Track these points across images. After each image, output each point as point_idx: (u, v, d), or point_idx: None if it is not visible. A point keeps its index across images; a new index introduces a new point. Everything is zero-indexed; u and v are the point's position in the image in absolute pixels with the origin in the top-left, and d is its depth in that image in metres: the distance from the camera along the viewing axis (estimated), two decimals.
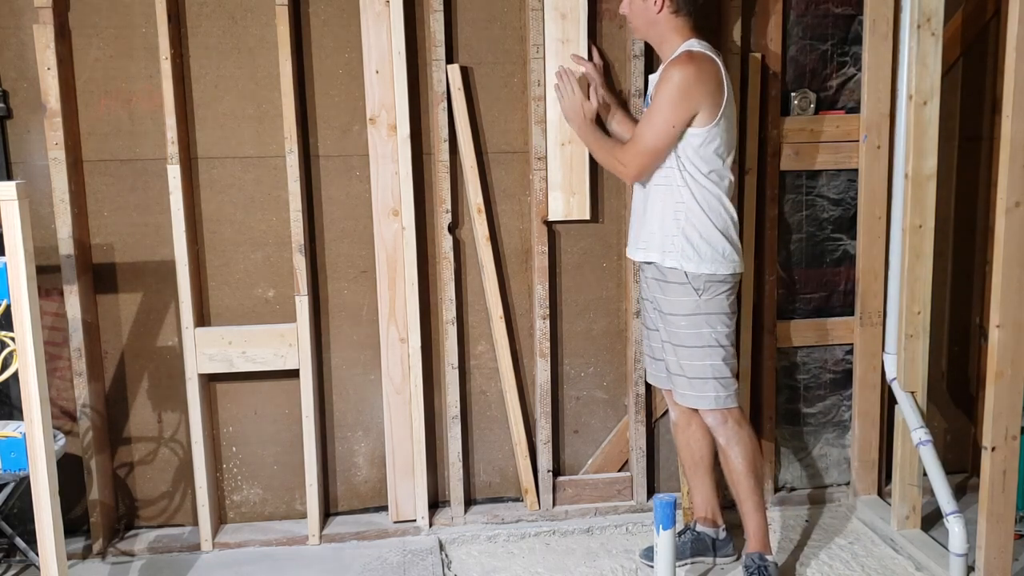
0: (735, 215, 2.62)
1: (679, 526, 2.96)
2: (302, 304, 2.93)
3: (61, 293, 2.83)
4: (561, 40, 2.91)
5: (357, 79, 2.92)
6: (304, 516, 3.07)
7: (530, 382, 3.14)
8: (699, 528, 2.87)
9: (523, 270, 3.10)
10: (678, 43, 2.59)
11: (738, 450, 2.65)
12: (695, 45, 2.57)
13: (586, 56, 2.92)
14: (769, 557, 2.68)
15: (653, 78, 2.69)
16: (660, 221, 2.62)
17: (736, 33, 2.98)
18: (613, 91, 2.96)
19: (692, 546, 2.85)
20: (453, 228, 3.01)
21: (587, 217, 3.03)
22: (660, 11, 2.58)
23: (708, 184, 2.56)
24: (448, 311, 3.02)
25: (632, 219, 2.79)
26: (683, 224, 2.57)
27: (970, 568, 2.66)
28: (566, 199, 3.00)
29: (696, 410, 2.71)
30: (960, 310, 3.34)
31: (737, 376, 2.69)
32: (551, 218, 3.01)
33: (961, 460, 3.40)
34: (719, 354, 2.62)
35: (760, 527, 2.69)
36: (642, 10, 2.61)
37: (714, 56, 2.56)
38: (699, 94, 2.50)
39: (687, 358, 2.63)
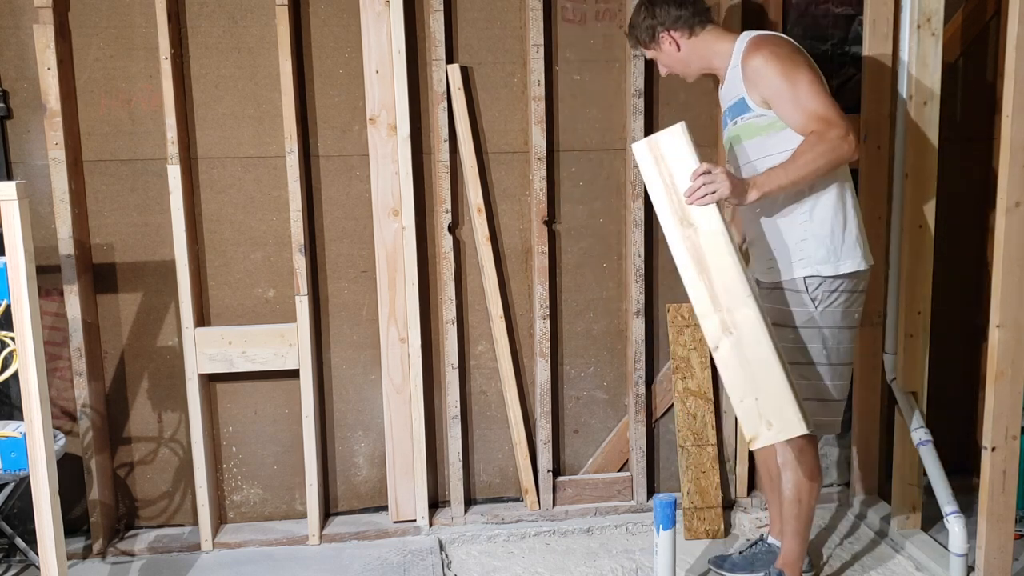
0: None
1: (754, 536, 2.99)
2: (302, 304, 2.93)
3: (61, 293, 2.83)
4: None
5: (357, 79, 2.92)
6: (304, 516, 3.07)
7: (530, 382, 3.14)
8: (770, 540, 2.85)
9: (523, 270, 3.10)
10: (727, 47, 2.47)
11: (790, 475, 2.57)
12: (750, 33, 2.46)
13: None
14: None
15: (726, 92, 2.50)
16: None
17: None
18: None
19: (763, 557, 2.80)
20: (453, 228, 3.01)
21: None
22: (681, 48, 2.50)
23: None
24: (448, 311, 3.02)
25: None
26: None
27: (970, 568, 2.66)
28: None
29: None
30: (960, 310, 3.34)
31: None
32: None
33: (961, 460, 3.39)
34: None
35: (792, 552, 2.62)
36: (672, 55, 2.53)
37: None
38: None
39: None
